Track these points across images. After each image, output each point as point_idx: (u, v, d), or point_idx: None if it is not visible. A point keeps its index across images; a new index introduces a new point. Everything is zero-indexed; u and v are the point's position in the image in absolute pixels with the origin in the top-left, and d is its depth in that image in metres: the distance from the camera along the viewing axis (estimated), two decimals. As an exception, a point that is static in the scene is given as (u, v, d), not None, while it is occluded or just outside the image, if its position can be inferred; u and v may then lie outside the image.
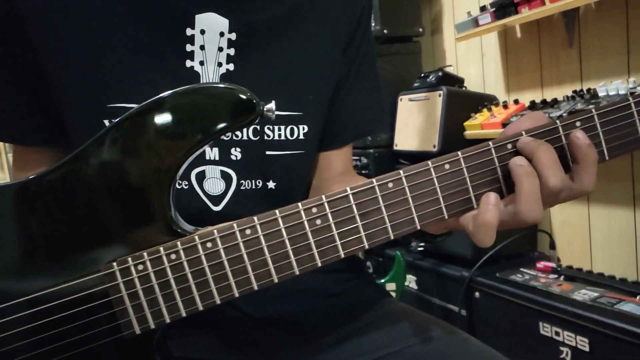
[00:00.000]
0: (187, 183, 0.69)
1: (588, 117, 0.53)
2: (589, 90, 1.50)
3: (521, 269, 1.52)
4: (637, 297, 1.21)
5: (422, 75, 2.04)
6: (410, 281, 1.93)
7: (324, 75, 0.78)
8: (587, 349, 1.18)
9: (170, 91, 0.53)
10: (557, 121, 0.54)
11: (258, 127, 0.72)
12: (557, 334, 1.25)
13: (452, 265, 1.74)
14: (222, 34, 0.69)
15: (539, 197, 0.51)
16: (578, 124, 0.53)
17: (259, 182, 0.73)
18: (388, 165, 2.14)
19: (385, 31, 2.04)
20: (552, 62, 1.69)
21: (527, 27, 1.75)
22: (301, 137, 0.74)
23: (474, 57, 2.03)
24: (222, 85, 0.58)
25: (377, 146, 2.15)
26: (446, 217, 0.53)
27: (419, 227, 0.53)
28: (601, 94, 1.36)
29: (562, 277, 1.39)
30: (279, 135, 0.73)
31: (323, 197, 0.51)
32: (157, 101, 0.52)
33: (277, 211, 0.51)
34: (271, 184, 0.73)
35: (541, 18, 1.68)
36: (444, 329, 0.70)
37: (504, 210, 0.52)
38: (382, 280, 1.67)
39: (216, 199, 0.71)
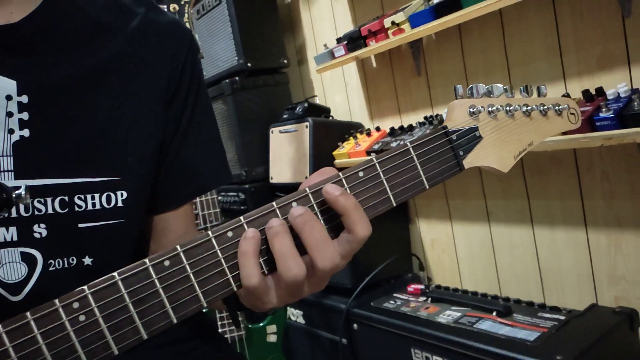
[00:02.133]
0: None
1: (369, 166, 0.55)
2: (437, 115, 1.59)
3: (394, 294, 1.55)
4: (494, 313, 1.27)
5: (290, 106, 2.04)
6: (298, 316, 1.89)
7: (144, 134, 0.72)
8: (454, 370, 1.21)
9: None
10: (340, 173, 0.54)
11: (66, 197, 0.64)
12: (427, 359, 1.27)
13: (334, 296, 1.74)
14: (9, 97, 0.61)
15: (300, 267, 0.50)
16: (345, 182, 0.54)
17: (73, 260, 0.65)
18: (266, 200, 2.11)
19: (249, 65, 2.02)
20: (405, 90, 1.77)
21: (381, 57, 1.82)
22: (119, 204, 0.68)
23: (338, 86, 2.07)
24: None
25: (253, 180, 2.11)
26: (235, 289, 0.50)
27: (205, 305, 0.49)
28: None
29: (429, 300, 1.43)
30: (93, 204, 0.66)
31: (85, 287, 0.45)
32: None
33: (28, 313, 0.44)
34: (87, 260, 0.66)
35: (392, 49, 1.75)
36: None
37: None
38: (262, 324, 1.61)
39: (15, 288, 0.62)
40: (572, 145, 1.15)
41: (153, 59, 0.74)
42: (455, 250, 1.73)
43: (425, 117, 1.58)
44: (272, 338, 1.61)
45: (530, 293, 1.50)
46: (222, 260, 0.49)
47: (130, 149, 0.70)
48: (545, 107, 0.67)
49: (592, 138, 1.10)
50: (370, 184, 0.55)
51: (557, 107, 0.68)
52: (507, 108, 0.64)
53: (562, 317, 1.20)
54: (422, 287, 1.51)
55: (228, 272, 0.49)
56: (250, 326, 1.61)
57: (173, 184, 0.78)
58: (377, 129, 1.78)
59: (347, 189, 0.54)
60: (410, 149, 0.58)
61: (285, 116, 2.03)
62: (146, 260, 0.48)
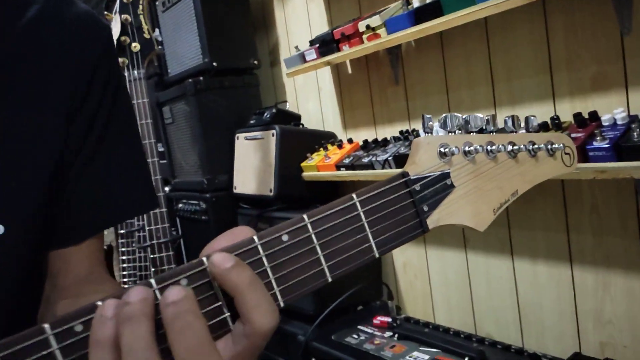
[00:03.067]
0: None
1: (298, 227, 0.40)
2: (413, 130, 1.44)
3: (359, 326, 1.40)
4: (466, 359, 1.13)
5: (258, 111, 1.88)
6: (257, 339, 1.74)
7: (35, 154, 0.56)
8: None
9: None
10: (256, 237, 0.39)
11: None
12: (389, 406, 1.13)
13: (295, 322, 1.59)
14: None
15: None
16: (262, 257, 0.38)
17: None
18: (228, 210, 1.95)
19: (214, 64, 1.86)
20: (382, 99, 1.62)
21: (357, 63, 1.68)
22: None
23: (311, 92, 1.92)
24: None
25: (216, 189, 1.95)
26: None
27: None
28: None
29: (396, 336, 1.29)
30: None
31: None
32: None
33: None
34: None
35: (369, 55, 1.61)
36: None
37: None
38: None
39: None
40: (560, 176, 1.01)
41: (52, 61, 0.58)
42: (428, 276, 1.59)
43: (401, 132, 1.44)
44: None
45: (508, 331, 1.37)
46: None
47: (13, 174, 0.55)
48: (535, 146, 0.52)
49: (583, 170, 0.97)
50: (298, 252, 0.40)
51: (549, 147, 0.54)
52: (489, 147, 0.49)
53: (542, 367, 1.07)
54: (390, 319, 1.37)
55: None
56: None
57: (75, 215, 0.63)
58: (350, 140, 1.63)
59: (263, 258, 0.39)
60: (357, 203, 0.43)
61: (252, 122, 1.87)
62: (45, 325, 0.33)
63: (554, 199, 1.21)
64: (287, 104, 1.98)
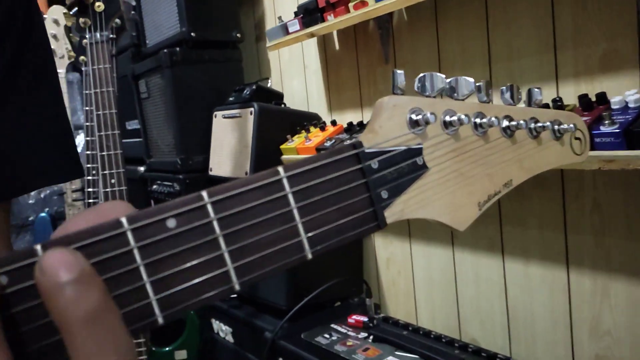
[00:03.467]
0: None
1: (195, 208, 0.27)
2: (402, 113, 1.31)
3: (332, 325, 1.28)
4: (444, 367, 1.01)
5: (237, 88, 1.75)
6: (227, 333, 1.62)
7: None
8: None
9: None
10: (124, 218, 0.26)
11: None
12: (357, 417, 1.01)
13: (267, 316, 1.47)
14: None
15: None
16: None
17: None
18: (202, 194, 1.81)
19: (192, 34, 1.72)
20: (370, 78, 1.49)
21: (344, 38, 1.54)
22: None
23: (296, 69, 1.78)
24: None
25: (190, 170, 1.81)
26: None
27: None
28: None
29: (370, 338, 1.16)
30: None
31: None
32: None
33: None
34: None
35: (357, 30, 1.47)
36: None
37: None
38: (169, 348, 1.33)
39: None
40: (566, 166, 0.89)
41: None
42: (412, 273, 1.47)
43: (388, 114, 1.31)
44: (181, 366, 1.33)
45: (495, 338, 1.25)
46: None
47: None
48: (538, 124, 0.40)
49: (587, 158, 0.84)
50: (190, 245, 0.27)
51: (557, 127, 0.41)
52: (478, 120, 0.37)
53: (529, 381, 0.95)
54: (366, 319, 1.25)
55: None
56: (154, 349, 1.32)
57: None
58: (334, 122, 1.50)
59: (135, 251, 0.26)
60: (284, 181, 0.30)
61: (231, 99, 1.73)
62: None
63: (551, 192, 1.09)
64: (270, 81, 1.84)
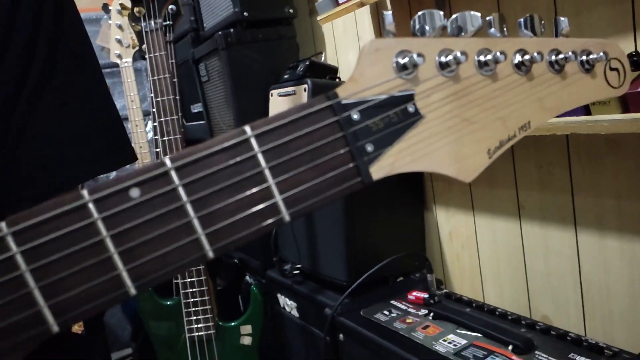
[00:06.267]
0: None
1: (156, 174, 0.27)
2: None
3: (392, 301, 1.26)
4: (510, 347, 0.96)
5: (291, 65, 1.73)
6: (292, 308, 1.65)
7: None
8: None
9: None
10: (84, 192, 0.26)
11: None
12: (416, 394, 0.99)
13: (329, 292, 1.48)
14: None
15: None
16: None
17: None
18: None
19: (245, 14, 1.72)
20: (426, 45, 1.41)
21: (398, 4, 1.47)
22: None
23: (351, 40, 1.73)
24: None
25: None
26: None
27: None
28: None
29: (431, 315, 1.13)
30: None
31: None
32: None
33: None
34: None
35: (410, -7, 1.40)
36: None
37: None
38: (235, 323, 1.37)
39: None
40: (638, 129, 0.79)
41: None
42: (477, 247, 1.40)
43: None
44: (247, 340, 1.37)
45: (568, 316, 1.17)
46: None
47: None
48: (561, 55, 0.34)
49: (668, 118, 0.75)
50: (156, 213, 0.27)
51: (585, 57, 0.36)
52: (482, 57, 0.32)
53: (604, 363, 0.88)
54: (427, 295, 1.21)
55: None
56: (220, 324, 1.37)
57: (20, 175, 0.53)
58: (389, 94, 1.45)
59: (99, 222, 0.26)
60: (252, 140, 0.28)
61: (285, 76, 1.72)
62: None
63: (630, 159, 0.98)
64: (323, 55, 1.81)
